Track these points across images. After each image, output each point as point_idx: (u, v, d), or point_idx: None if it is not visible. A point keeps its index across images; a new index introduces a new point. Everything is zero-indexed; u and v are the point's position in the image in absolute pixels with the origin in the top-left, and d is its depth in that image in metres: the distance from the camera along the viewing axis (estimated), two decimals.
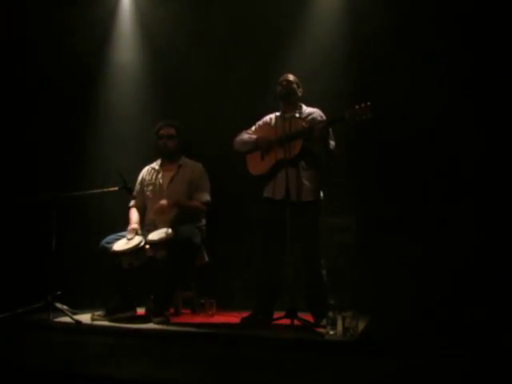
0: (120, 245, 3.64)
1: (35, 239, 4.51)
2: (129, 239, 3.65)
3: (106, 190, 3.87)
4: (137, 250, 3.58)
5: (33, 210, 4.68)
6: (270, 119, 3.63)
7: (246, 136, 3.61)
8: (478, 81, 3.90)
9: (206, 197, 3.86)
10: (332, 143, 3.44)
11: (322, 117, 3.52)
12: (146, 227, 3.84)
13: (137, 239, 3.65)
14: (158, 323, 3.43)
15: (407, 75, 4.06)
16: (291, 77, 3.54)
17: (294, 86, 3.52)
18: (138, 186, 4.03)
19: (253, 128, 3.66)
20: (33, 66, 4.92)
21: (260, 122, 3.66)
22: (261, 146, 3.49)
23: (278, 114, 3.61)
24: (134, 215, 3.93)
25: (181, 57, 4.76)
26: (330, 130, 3.45)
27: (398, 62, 4.10)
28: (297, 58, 4.39)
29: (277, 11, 4.52)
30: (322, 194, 3.51)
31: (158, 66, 4.91)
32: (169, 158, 3.96)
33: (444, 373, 2.47)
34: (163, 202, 3.73)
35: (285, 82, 3.51)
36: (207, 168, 3.98)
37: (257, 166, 3.54)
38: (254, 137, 3.57)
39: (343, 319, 3.02)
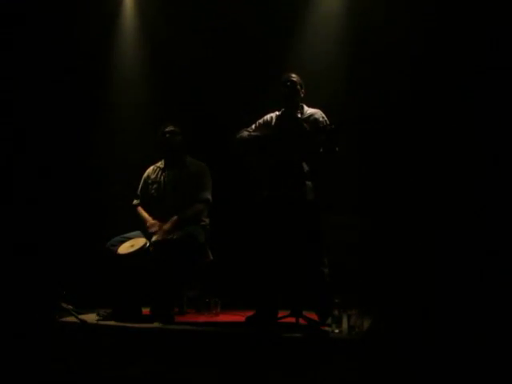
0: (125, 247, 3.64)
1: (40, 239, 4.54)
2: (153, 232, 3.66)
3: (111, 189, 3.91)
4: (142, 251, 3.58)
5: (37, 210, 4.72)
6: (271, 118, 3.59)
7: (246, 134, 3.57)
8: (481, 81, 3.89)
9: (206, 195, 3.84)
10: None
11: (323, 118, 3.50)
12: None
13: (141, 241, 3.65)
14: (162, 323, 3.43)
15: (408, 75, 4.07)
16: (295, 77, 3.49)
17: (298, 86, 3.48)
18: (142, 185, 4.03)
19: (253, 126, 3.62)
20: (33, 67, 4.93)
21: (260, 121, 3.62)
22: (263, 145, 3.47)
23: (278, 113, 3.58)
24: (145, 212, 3.92)
25: (182, 57, 4.76)
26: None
27: (398, 62, 4.11)
28: (298, 58, 4.40)
29: (278, 10, 4.53)
30: (323, 193, 3.49)
31: (159, 66, 4.92)
32: (173, 157, 3.96)
33: (446, 371, 2.46)
34: (166, 227, 3.69)
35: (289, 83, 3.46)
36: (210, 166, 3.97)
37: (258, 164, 3.51)
38: (255, 135, 3.53)
39: (348, 317, 3.01)
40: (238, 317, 3.66)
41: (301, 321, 3.17)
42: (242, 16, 4.61)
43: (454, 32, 3.98)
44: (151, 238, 3.68)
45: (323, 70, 4.34)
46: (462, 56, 3.96)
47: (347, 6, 4.38)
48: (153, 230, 3.70)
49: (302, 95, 3.53)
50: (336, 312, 3.07)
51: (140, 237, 3.75)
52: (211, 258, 3.88)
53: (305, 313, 3.24)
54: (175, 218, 3.70)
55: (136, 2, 5.04)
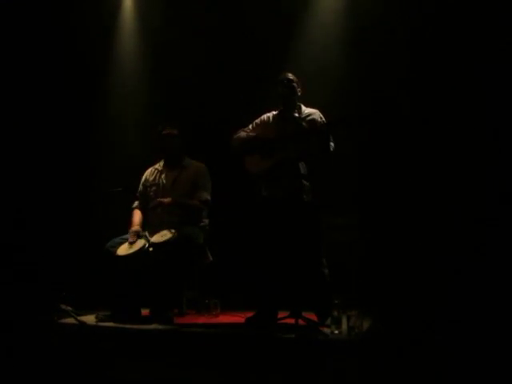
0: (124, 249, 3.63)
1: (40, 240, 4.54)
2: (130, 242, 3.65)
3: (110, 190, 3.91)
4: (141, 253, 3.58)
5: (37, 211, 4.72)
6: (268, 118, 3.59)
7: (244, 134, 3.57)
8: (482, 81, 3.89)
9: (206, 196, 3.84)
10: (331, 144, 3.42)
11: (321, 118, 3.50)
12: (149, 229, 3.83)
13: (140, 242, 3.65)
14: (162, 324, 3.43)
15: (408, 74, 4.07)
16: (291, 76, 3.49)
17: (294, 84, 3.48)
18: (141, 187, 4.03)
19: (250, 126, 3.62)
20: (33, 67, 4.93)
21: (257, 121, 3.62)
22: (261, 145, 3.47)
23: (275, 112, 3.58)
24: (137, 217, 3.93)
25: (182, 57, 4.77)
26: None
27: (398, 61, 4.11)
28: (298, 58, 4.42)
29: (277, 11, 4.53)
30: (321, 194, 3.49)
31: (159, 67, 4.92)
32: (172, 159, 3.96)
33: (447, 372, 2.46)
34: (165, 200, 3.73)
35: (285, 81, 3.46)
36: (209, 167, 3.97)
37: (256, 165, 3.51)
38: (253, 135, 3.53)
39: (348, 318, 3.01)
40: (238, 318, 3.66)
41: (300, 322, 3.16)
42: (242, 16, 4.62)
43: (454, 30, 3.97)
44: (149, 238, 3.68)
45: (323, 69, 4.34)
46: (463, 53, 3.95)
47: (346, 5, 4.39)
48: (132, 238, 3.68)
49: (299, 94, 3.53)
50: (335, 313, 3.06)
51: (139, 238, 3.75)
52: (210, 258, 3.88)
53: (304, 314, 3.23)
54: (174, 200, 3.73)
55: (135, 5, 5.05)
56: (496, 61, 3.85)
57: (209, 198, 3.85)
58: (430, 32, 4.05)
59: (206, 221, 3.90)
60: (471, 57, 3.92)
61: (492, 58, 3.86)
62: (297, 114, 3.41)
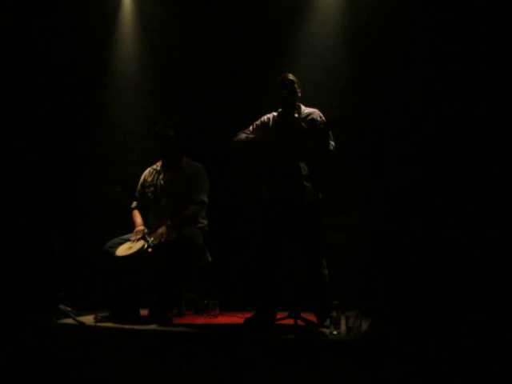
0: (123, 249, 3.63)
1: (39, 241, 4.54)
2: (134, 240, 3.65)
3: (109, 191, 3.91)
4: (140, 253, 3.57)
5: (36, 212, 4.72)
6: (268, 119, 3.59)
7: (244, 136, 3.56)
8: (483, 83, 3.88)
9: (201, 196, 3.83)
10: (332, 143, 3.42)
11: (321, 117, 3.50)
12: (148, 230, 3.82)
13: (140, 243, 3.65)
14: (161, 324, 3.43)
15: (406, 75, 4.07)
16: (292, 76, 3.49)
17: (295, 85, 3.49)
18: (139, 187, 4.03)
19: (250, 128, 3.61)
20: (32, 67, 4.94)
21: (258, 122, 3.61)
22: (261, 146, 3.47)
23: (275, 113, 3.58)
24: (138, 217, 3.93)
25: (182, 58, 4.78)
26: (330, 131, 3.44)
27: (397, 62, 4.11)
28: (297, 58, 4.42)
29: (277, 11, 4.53)
30: (322, 194, 3.49)
31: (159, 67, 4.93)
32: (169, 159, 3.95)
33: (446, 373, 2.45)
34: (161, 231, 3.67)
35: (287, 82, 3.46)
36: (208, 168, 3.97)
37: (256, 166, 3.51)
38: (253, 136, 3.53)
39: (347, 319, 3.00)
40: (237, 318, 3.67)
41: (299, 322, 3.16)
42: (242, 17, 4.62)
43: (457, 28, 3.97)
44: (149, 239, 3.68)
45: (323, 69, 4.35)
46: (465, 52, 3.95)
47: (346, 4, 4.39)
48: (136, 237, 3.68)
49: (299, 94, 3.53)
50: (334, 313, 3.06)
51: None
52: (210, 259, 3.88)
53: (303, 314, 3.23)
54: (169, 222, 3.67)
55: (135, 5, 5.05)
56: (498, 60, 3.84)
57: (204, 198, 3.84)
58: (431, 31, 4.05)
59: (205, 222, 3.90)
60: (474, 56, 3.91)
61: (495, 57, 3.86)
62: (297, 115, 3.41)
